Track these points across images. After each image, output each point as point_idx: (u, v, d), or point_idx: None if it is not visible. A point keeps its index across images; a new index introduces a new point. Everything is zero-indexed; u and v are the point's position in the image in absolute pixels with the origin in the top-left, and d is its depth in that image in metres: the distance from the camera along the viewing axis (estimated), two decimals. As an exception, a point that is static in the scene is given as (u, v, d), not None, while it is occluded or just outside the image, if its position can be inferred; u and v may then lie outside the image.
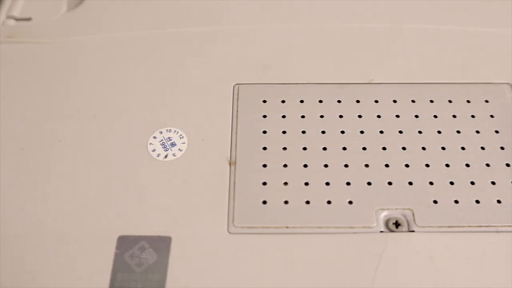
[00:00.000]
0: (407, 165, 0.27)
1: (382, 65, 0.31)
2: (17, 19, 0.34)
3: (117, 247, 0.25)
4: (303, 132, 0.28)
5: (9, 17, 0.34)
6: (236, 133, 0.28)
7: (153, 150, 0.28)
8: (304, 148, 0.28)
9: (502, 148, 0.28)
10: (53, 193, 0.26)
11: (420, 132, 0.28)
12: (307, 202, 0.26)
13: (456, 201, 0.26)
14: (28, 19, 0.34)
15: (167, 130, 0.29)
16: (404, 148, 0.28)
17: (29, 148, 0.28)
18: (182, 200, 0.26)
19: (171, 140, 0.28)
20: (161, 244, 0.25)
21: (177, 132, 0.29)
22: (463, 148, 0.28)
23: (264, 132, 0.29)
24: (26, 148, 0.28)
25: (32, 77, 0.31)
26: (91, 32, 0.33)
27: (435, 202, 0.26)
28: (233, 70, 0.31)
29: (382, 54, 0.31)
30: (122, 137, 0.28)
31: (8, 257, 0.25)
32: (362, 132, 0.28)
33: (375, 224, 0.25)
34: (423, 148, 0.28)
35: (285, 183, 0.27)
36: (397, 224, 0.26)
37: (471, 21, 0.33)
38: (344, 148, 0.28)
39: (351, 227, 0.25)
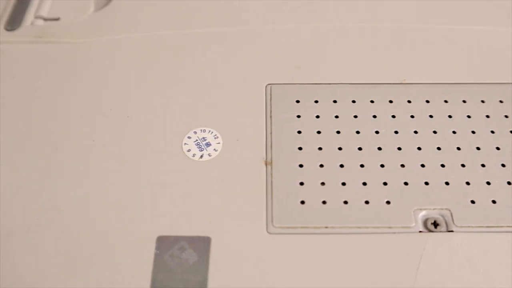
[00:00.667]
0: (442, 165, 0.27)
1: (414, 65, 0.31)
2: (45, 19, 0.34)
3: (157, 248, 0.25)
4: (338, 132, 0.28)
5: (37, 17, 0.34)
6: (271, 133, 0.28)
7: (188, 150, 0.28)
8: (340, 148, 0.28)
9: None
10: (90, 194, 0.26)
11: (454, 132, 0.28)
12: (345, 202, 0.26)
13: (494, 201, 0.26)
14: (57, 19, 0.34)
15: (201, 130, 0.29)
16: (439, 148, 0.28)
17: (63, 148, 0.28)
18: (220, 200, 0.26)
19: (205, 140, 0.28)
20: (201, 245, 0.25)
21: (211, 132, 0.28)
22: (498, 148, 0.28)
23: (299, 132, 0.28)
24: (59, 148, 0.28)
25: (63, 77, 0.31)
26: (120, 32, 0.33)
27: (472, 202, 0.26)
28: (265, 70, 0.31)
29: (414, 54, 0.32)
30: (156, 137, 0.28)
31: (49, 259, 0.25)
32: (396, 132, 0.28)
33: (413, 224, 0.25)
34: (458, 148, 0.28)
35: (322, 183, 0.27)
36: (435, 224, 0.26)
37: (502, 21, 0.33)
38: (379, 148, 0.28)
39: (390, 227, 0.25)
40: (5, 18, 0.34)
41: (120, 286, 0.24)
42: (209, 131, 0.29)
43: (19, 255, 0.25)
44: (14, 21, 0.34)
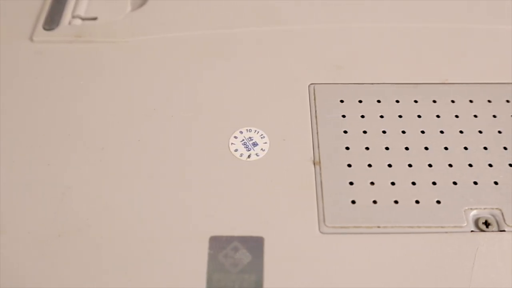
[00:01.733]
0: (490, 165, 0.27)
1: (455, 65, 0.31)
2: (83, 19, 0.34)
3: (210, 248, 0.25)
4: (384, 132, 0.28)
5: (75, 16, 0.34)
6: (317, 133, 0.28)
7: (236, 150, 0.28)
8: (387, 148, 0.28)
9: None
10: (139, 194, 0.26)
11: (499, 132, 0.28)
12: (396, 202, 0.26)
13: (544, 200, 0.26)
14: (94, 19, 0.34)
15: (247, 130, 0.29)
16: (485, 148, 0.28)
17: (109, 148, 0.28)
18: (270, 200, 0.26)
19: (252, 140, 0.28)
20: (254, 245, 0.25)
21: (258, 131, 0.28)
22: (544, 148, 0.28)
23: (345, 132, 0.28)
24: (105, 148, 0.28)
25: (103, 77, 0.31)
26: (158, 32, 0.33)
27: (522, 201, 0.26)
28: (307, 70, 0.31)
29: (455, 54, 0.32)
30: (202, 137, 0.28)
31: (101, 259, 0.24)
32: (442, 132, 0.28)
33: (465, 224, 0.25)
34: (505, 148, 0.28)
35: (372, 183, 0.27)
36: (486, 224, 0.26)
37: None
38: (426, 148, 0.28)
39: (442, 227, 0.25)
40: (43, 17, 0.34)
41: (176, 286, 0.24)
42: (255, 130, 0.28)
43: (71, 256, 0.25)
44: (52, 21, 0.33)
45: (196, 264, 0.24)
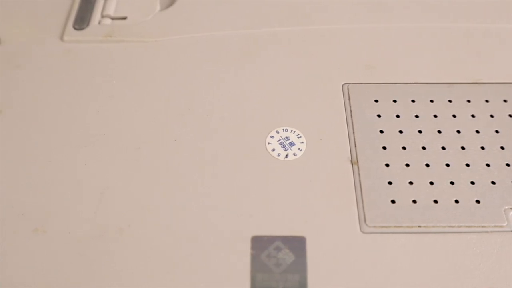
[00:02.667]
0: (527, 164, 0.28)
1: (489, 64, 0.31)
2: (112, 18, 0.34)
3: (252, 248, 0.25)
4: (419, 131, 0.28)
5: (105, 16, 0.34)
6: (353, 132, 0.28)
7: (273, 150, 0.28)
8: (423, 148, 0.28)
9: None
10: (178, 194, 0.26)
11: (535, 131, 0.29)
12: (435, 201, 0.26)
13: None
14: (124, 18, 0.34)
15: (283, 129, 0.29)
16: (522, 147, 0.28)
17: (146, 148, 0.28)
18: (310, 200, 0.26)
19: (289, 139, 0.28)
20: (296, 244, 0.25)
21: (294, 131, 0.28)
22: None
23: (381, 131, 0.28)
24: (142, 148, 0.28)
25: (136, 77, 0.31)
26: (189, 31, 0.33)
27: (561, 201, 0.26)
28: (339, 70, 0.31)
29: (488, 54, 0.32)
30: (238, 136, 0.28)
31: (142, 259, 0.24)
32: (477, 131, 0.29)
33: (506, 223, 0.25)
34: (542, 147, 0.28)
35: (410, 183, 0.27)
36: (526, 223, 0.26)
37: None
38: (463, 148, 0.28)
39: (483, 226, 0.25)
40: (72, 17, 0.33)
41: (220, 286, 0.24)
42: (292, 130, 0.28)
43: (112, 256, 0.25)
44: (82, 20, 0.33)
45: (239, 264, 0.24)
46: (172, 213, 0.26)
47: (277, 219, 0.26)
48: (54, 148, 0.28)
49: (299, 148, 0.28)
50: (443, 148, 0.28)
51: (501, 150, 0.28)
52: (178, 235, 0.25)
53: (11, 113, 0.29)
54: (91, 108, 0.29)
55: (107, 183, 0.27)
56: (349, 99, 0.30)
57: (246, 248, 0.25)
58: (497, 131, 0.29)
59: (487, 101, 0.30)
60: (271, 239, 0.25)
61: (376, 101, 0.30)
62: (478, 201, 0.26)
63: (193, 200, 0.26)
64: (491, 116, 0.29)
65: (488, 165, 0.27)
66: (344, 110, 0.29)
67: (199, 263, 0.24)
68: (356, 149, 0.28)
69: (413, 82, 0.30)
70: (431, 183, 0.27)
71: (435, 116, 0.29)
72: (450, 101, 0.30)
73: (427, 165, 0.27)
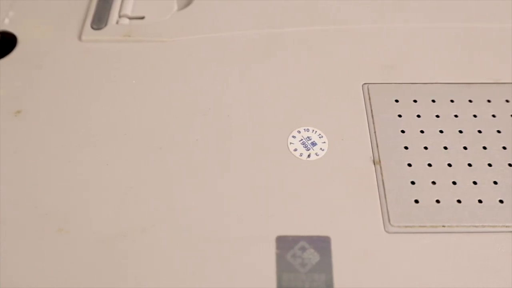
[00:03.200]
0: (549, 164, 0.28)
1: (507, 64, 0.31)
2: (130, 18, 0.34)
3: (277, 247, 0.25)
4: (441, 131, 0.28)
5: (122, 15, 0.34)
6: (375, 132, 0.28)
7: (295, 150, 0.28)
8: (445, 148, 0.28)
9: None
10: (201, 193, 0.26)
11: (556, 131, 0.29)
12: (459, 201, 0.26)
13: None
14: (141, 18, 0.34)
15: (304, 129, 0.28)
16: (543, 147, 0.28)
17: (167, 148, 0.28)
18: (334, 200, 0.26)
19: (311, 139, 0.28)
20: (321, 244, 0.25)
21: (315, 131, 0.28)
22: None
23: (402, 131, 0.28)
24: (164, 148, 0.28)
25: (155, 76, 0.31)
26: (208, 31, 0.33)
27: None
28: (358, 70, 0.31)
29: (506, 54, 0.32)
30: (260, 136, 0.28)
31: (167, 259, 0.24)
32: (499, 131, 0.29)
33: (529, 223, 0.26)
34: None
35: (433, 182, 0.27)
36: (550, 223, 0.26)
37: None
38: (484, 148, 0.28)
39: (507, 226, 0.25)
40: (90, 16, 0.33)
41: (246, 286, 0.24)
42: (313, 130, 0.28)
43: (136, 256, 0.24)
44: (100, 20, 0.33)
45: (265, 264, 0.24)
46: (195, 213, 0.26)
47: (301, 219, 0.26)
48: (75, 148, 0.28)
49: (321, 148, 0.28)
50: (465, 148, 0.28)
51: (523, 150, 0.28)
52: (202, 235, 0.25)
53: (32, 113, 0.29)
54: (111, 107, 0.29)
55: (130, 183, 0.27)
56: (369, 99, 0.30)
57: (271, 248, 0.25)
58: (518, 131, 0.29)
59: (507, 101, 0.30)
60: (295, 239, 0.25)
61: (397, 101, 0.30)
62: (501, 201, 0.26)
63: (216, 200, 0.26)
64: (512, 116, 0.29)
65: (510, 164, 0.27)
66: (364, 110, 0.29)
67: (224, 263, 0.24)
68: (378, 149, 0.28)
69: (433, 82, 0.30)
70: (454, 183, 0.27)
71: (456, 116, 0.29)
72: (470, 101, 0.30)
73: (449, 165, 0.27)
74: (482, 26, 0.33)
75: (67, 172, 0.27)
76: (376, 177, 0.27)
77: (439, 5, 0.34)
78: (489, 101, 0.30)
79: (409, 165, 0.27)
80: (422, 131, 0.29)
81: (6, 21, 0.34)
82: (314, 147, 0.28)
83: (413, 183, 0.27)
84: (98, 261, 0.24)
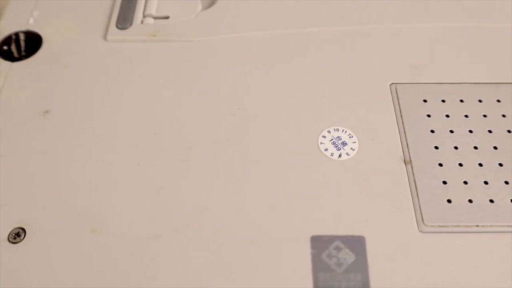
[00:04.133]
0: None
1: (534, 64, 0.31)
2: (155, 18, 0.34)
3: (312, 247, 0.25)
4: (470, 131, 0.29)
5: (147, 15, 0.33)
6: (405, 132, 0.28)
7: (326, 150, 0.28)
8: (475, 147, 0.28)
9: None
10: (234, 194, 0.26)
11: None
12: (491, 201, 0.26)
13: None
14: (166, 18, 0.34)
15: (334, 129, 0.28)
16: None
17: (197, 148, 0.28)
18: (366, 199, 0.26)
19: (341, 139, 0.28)
20: (356, 244, 0.25)
21: (345, 131, 0.28)
22: None
23: (432, 131, 0.29)
24: (193, 148, 0.28)
25: (182, 76, 0.31)
26: (233, 31, 0.33)
27: None
28: (385, 70, 0.31)
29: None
30: (290, 136, 0.28)
31: (203, 260, 0.24)
32: (528, 131, 0.29)
33: (562, 222, 0.26)
34: None
35: (465, 182, 0.27)
36: None
37: None
38: (514, 147, 0.28)
39: (540, 226, 0.26)
40: (114, 16, 0.33)
41: (283, 286, 0.24)
42: (343, 130, 0.28)
43: (171, 257, 0.24)
44: (125, 20, 0.33)
45: (301, 264, 0.24)
46: (229, 214, 0.26)
47: (335, 218, 0.26)
48: (105, 148, 0.28)
49: (351, 148, 0.28)
50: (495, 148, 0.28)
51: (553, 149, 0.28)
52: (236, 236, 0.25)
53: (60, 113, 0.29)
54: (139, 107, 0.29)
55: (162, 183, 0.27)
56: (397, 98, 0.30)
57: (306, 248, 0.25)
58: (547, 131, 0.29)
59: (535, 100, 0.30)
60: (330, 239, 0.25)
61: (425, 101, 0.30)
62: (533, 200, 0.26)
63: (249, 200, 0.26)
64: (540, 115, 0.29)
65: (541, 164, 0.28)
66: (393, 109, 0.29)
67: (259, 263, 0.24)
68: (408, 149, 0.28)
69: (460, 82, 0.31)
70: (486, 182, 0.27)
71: (485, 116, 0.29)
72: (498, 100, 0.30)
73: (480, 164, 0.27)
74: (509, 26, 0.33)
75: (98, 172, 0.27)
76: (408, 177, 0.27)
77: (467, 5, 0.34)
78: (517, 100, 0.30)
79: (440, 165, 0.27)
80: (451, 131, 0.29)
81: (31, 21, 0.34)
82: (345, 147, 0.28)
83: (444, 182, 0.27)
84: (133, 261, 0.24)
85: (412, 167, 0.27)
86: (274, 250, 0.25)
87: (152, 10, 0.34)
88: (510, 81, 0.31)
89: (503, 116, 0.29)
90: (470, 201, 0.26)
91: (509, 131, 0.29)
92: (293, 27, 0.33)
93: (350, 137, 0.28)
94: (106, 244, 0.25)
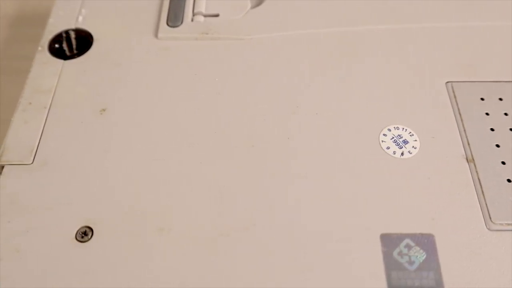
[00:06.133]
0: None
1: None
2: (205, 15, 0.34)
3: (383, 245, 0.25)
4: (530, 129, 0.29)
5: (196, 13, 0.33)
6: (464, 130, 0.28)
7: (388, 148, 0.28)
8: (536, 146, 0.28)
9: None
10: (299, 192, 0.26)
11: None
12: (556, 199, 0.26)
13: None
14: (216, 15, 0.33)
15: (395, 127, 0.28)
16: None
17: (259, 146, 0.28)
18: (432, 197, 0.26)
19: (402, 137, 0.28)
20: (426, 242, 0.25)
21: (405, 129, 0.28)
22: None
23: (492, 129, 0.29)
24: (255, 146, 0.28)
25: (237, 74, 0.31)
26: (284, 29, 0.33)
27: None
28: (440, 68, 0.31)
29: None
30: (351, 134, 0.28)
31: (271, 259, 0.24)
32: None
33: None
34: None
35: (529, 180, 0.27)
36: None
37: None
38: None
39: None
40: (164, 14, 0.33)
41: (356, 286, 0.23)
42: (403, 128, 0.28)
43: (240, 255, 0.24)
44: (176, 18, 0.33)
45: (372, 262, 0.24)
46: (295, 213, 0.25)
47: (403, 216, 0.25)
48: (166, 146, 0.28)
49: (413, 146, 0.28)
50: (556, 146, 0.28)
51: None
52: (305, 235, 0.25)
53: (116, 111, 0.29)
54: (197, 105, 0.29)
55: (225, 182, 0.26)
56: (454, 97, 0.30)
57: (377, 246, 0.25)
58: None
59: None
60: (400, 237, 0.25)
61: (482, 99, 0.30)
62: None
63: (314, 197, 0.26)
64: None
65: None
66: (451, 108, 0.29)
67: (330, 262, 0.24)
68: (469, 147, 0.28)
69: (514, 80, 0.31)
70: (550, 180, 0.27)
71: (543, 114, 0.29)
72: (555, 99, 0.30)
73: (543, 162, 0.27)
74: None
75: (160, 171, 0.27)
76: (472, 175, 0.27)
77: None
78: None
79: (503, 163, 0.27)
80: (511, 129, 0.29)
81: (80, 19, 0.33)
82: (406, 145, 0.28)
83: (509, 181, 0.27)
84: (203, 260, 0.24)
85: (475, 165, 0.27)
86: (345, 249, 0.24)
87: (202, 8, 0.34)
88: None
89: (562, 114, 0.29)
90: (535, 199, 0.26)
91: None
92: (345, 26, 0.33)
93: (410, 135, 0.28)
94: (175, 242, 0.25)
